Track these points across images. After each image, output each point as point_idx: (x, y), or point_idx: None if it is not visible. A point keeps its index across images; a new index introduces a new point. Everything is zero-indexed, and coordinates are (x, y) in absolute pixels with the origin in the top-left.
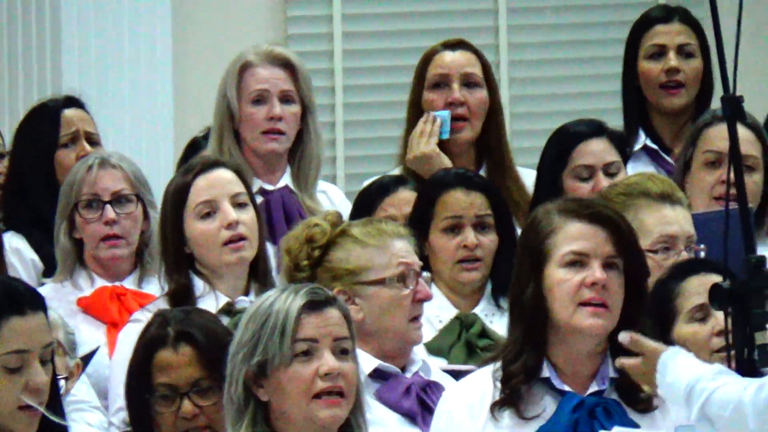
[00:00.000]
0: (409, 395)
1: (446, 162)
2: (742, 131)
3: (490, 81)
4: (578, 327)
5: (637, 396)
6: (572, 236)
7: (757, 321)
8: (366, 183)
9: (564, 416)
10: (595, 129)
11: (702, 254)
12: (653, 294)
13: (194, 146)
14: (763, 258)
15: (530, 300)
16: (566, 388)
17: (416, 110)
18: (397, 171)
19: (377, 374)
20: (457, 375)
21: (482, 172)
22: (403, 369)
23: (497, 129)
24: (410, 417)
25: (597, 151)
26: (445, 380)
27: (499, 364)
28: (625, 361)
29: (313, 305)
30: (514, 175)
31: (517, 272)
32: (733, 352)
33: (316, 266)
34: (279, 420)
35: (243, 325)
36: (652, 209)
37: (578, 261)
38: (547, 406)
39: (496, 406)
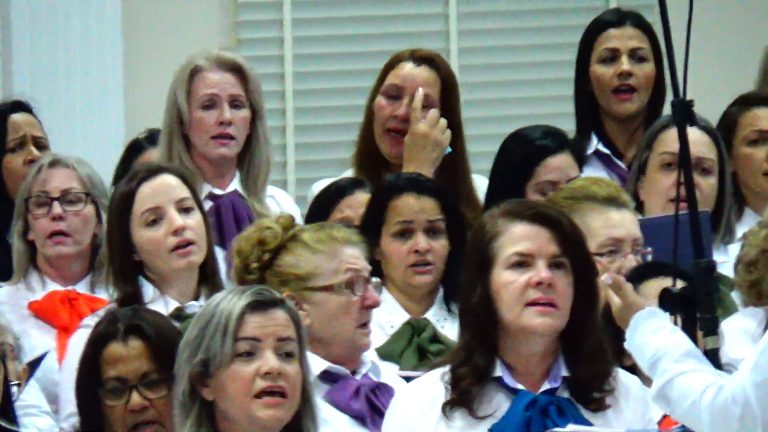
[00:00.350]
0: (358, 397)
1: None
2: (698, 134)
3: (451, 102)
4: (527, 327)
5: (589, 395)
6: (516, 238)
7: (707, 325)
8: (316, 185)
9: (517, 414)
10: (560, 144)
11: (648, 257)
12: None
13: (135, 147)
14: (712, 262)
15: (478, 303)
16: (519, 386)
17: (370, 117)
18: (350, 173)
19: (327, 376)
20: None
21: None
22: (354, 371)
23: (456, 147)
24: (359, 419)
25: (563, 166)
26: (395, 382)
27: (448, 367)
28: (612, 296)
29: (258, 305)
30: (466, 177)
31: (465, 276)
32: None
33: (265, 269)
34: (223, 419)
35: (191, 325)
36: (598, 212)
37: (523, 262)
38: (500, 404)
39: (448, 406)
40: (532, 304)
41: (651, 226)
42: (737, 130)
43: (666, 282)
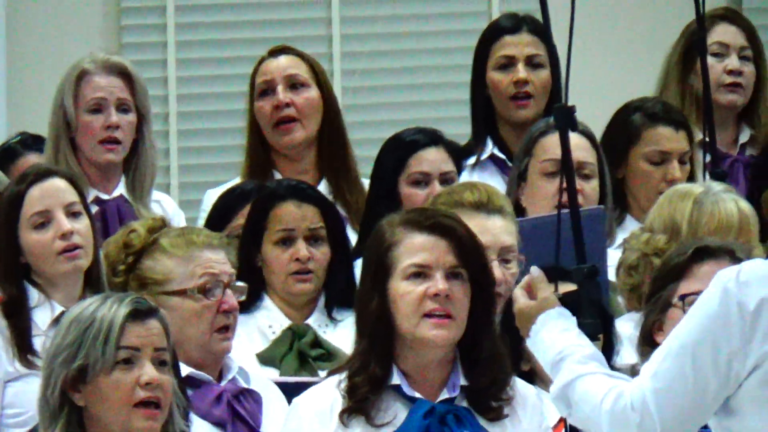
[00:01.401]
0: (219, 403)
1: None
2: (578, 139)
3: (321, 83)
4: (422, 338)
5: (487, 404)
6: (414, 248)
7: (589, 330)
8: (210, 192)
9: (415, 423)
10: (432, 138)
11: (521, 265)
12: (506, 303)
13: (8, 152)
14: (594, 267)
15: (375, 312)
16: (417, 395)
17: (252, 122)
18: (238, 180)
19: (190, 381)
20: (292, 387)
21: (323, 181)
22: (220, 376)
23: (336, 132)
24: (220, 425)
25: (434, 159)
26: (267, 388)
27: (344, 374)
28: (518, 295)
29: (138, 314)
30: (353, 178)
31: (362, 284)
32: None
33: (129, 272)
34: (93, 426)
35: (63, 329)
36: (467, 219)
37: (421, 273)
38: (398, 413)
39: (345, 414)
40: (429, 315)
41: (527, 227)
42: (639, 144)
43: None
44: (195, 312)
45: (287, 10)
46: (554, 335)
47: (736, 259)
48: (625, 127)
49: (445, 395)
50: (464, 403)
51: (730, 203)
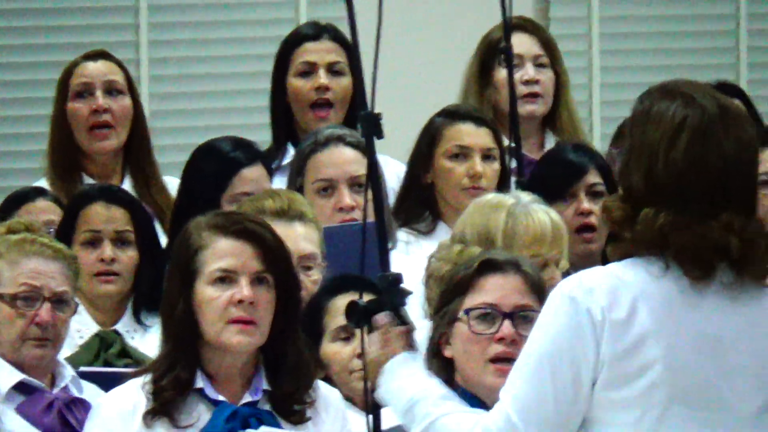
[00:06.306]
0: (50, 411)
1: None
2: (351, 153)
3: (133, 91)
4: (226, 344)
5: (290, 407)
6: (220, 253)
7: None
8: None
9: (218, 426)
10: (253, 156)
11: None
12: (307, 310)
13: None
14: (398, 275)
15: (181, 316)
16: (220, 398)
17: (61, 122)
18: (44, 182)
19: (22, 388)
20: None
21: (127, 181)
22: (53, 384)
23: (142, 139)
24: None
25: (257, 178)
26: (98, 396)
27: (149, 377)
28: (368, 349)
29: None
30: (159, 183)
31: (168, 287)
32: None
33: None
34: None
35: None
36: None
37: (226, 278)
38: (201, 415)
39: (149, 415)
40: (234, 321)
41: (331, 234)
42: (440, 143)
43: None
44: (7, 317)
45: (95, 16)
46: (402, 382)
47: (522, 272)
48: (429, 131)
49: (248, 398)
50: (267, 407)
51: (542, 214)
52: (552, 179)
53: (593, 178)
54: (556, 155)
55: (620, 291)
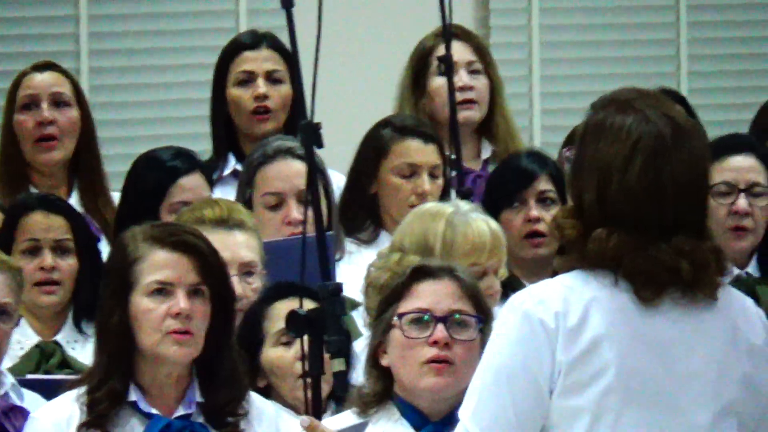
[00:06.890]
0: None
1: None
2: (299, 165)
3: (81, 102)
4: (163, 355)
5: (223, 419)
6: (157, 265)
7: (334, 347)
8: None
9: None
10: (191, 164)
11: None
12: (246, 316)
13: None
14: (339, 285)
15: (116, 327)
16: (153, 411)
17: (9, 134)
18: None
19: None
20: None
21: (74, 194)
22: None
23: (90, 151)
24: None
25: (196, 187)
26: (38, 404)
27: (84, 389)
28: None
29: None
30: (106, 196)
31: (103, 298)
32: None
33: None
34: None
35: None
36: (208, 235)
37: (163, 290)
38: (135, 428)
39: (83, 428)
40: (171, 333)
41: (278, 248)
42: (388, 157)
43: (296, 303)
44: None
45: (36, 26)
46: None
47: (455, 278)
48: (375, 142)
49: (181, 411)
50: (201, 419)
51: (481, 223)
52: (503, 185)
53: (544, 185)
54: (509, 162)
55: (571, 299)
